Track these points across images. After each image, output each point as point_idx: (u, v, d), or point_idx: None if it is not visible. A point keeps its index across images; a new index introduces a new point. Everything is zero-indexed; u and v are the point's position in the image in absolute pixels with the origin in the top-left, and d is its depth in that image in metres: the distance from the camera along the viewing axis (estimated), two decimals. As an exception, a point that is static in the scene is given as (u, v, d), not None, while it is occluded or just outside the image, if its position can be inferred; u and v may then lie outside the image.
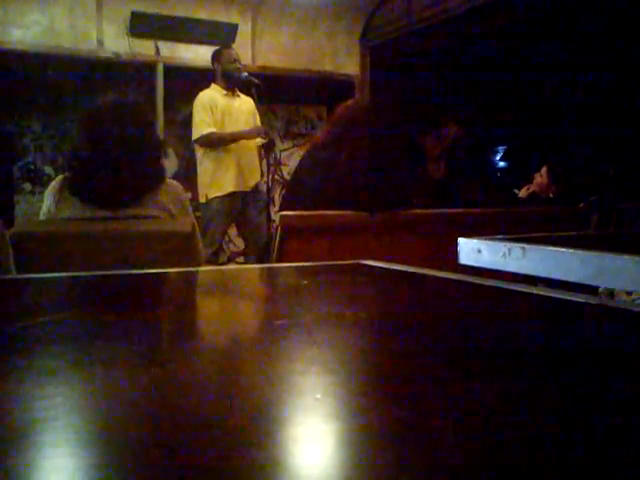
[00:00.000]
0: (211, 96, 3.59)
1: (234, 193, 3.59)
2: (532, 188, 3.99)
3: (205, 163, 3.61)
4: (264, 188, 3.74)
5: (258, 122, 3.79)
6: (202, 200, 3.59)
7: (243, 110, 3.69)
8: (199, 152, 3.65)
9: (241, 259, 4.74)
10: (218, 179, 3.57)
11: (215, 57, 3.70)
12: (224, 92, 3.63)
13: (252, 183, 3.68)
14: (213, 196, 3.56)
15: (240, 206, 3.65)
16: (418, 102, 4.79)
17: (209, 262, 3.09)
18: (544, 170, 3.97)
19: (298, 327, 0.62)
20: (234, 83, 3.66)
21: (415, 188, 2.38)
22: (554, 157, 4.26)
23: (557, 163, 4.06)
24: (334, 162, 2.07)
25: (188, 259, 1.63)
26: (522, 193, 4.03)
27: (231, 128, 3.61)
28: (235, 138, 3.57)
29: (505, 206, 3.10)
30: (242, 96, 3.72)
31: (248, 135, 3.62)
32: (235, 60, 3.68)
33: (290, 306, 0.78)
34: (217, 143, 3.56)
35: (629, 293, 1.26)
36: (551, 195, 3.92)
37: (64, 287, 0.94)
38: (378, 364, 0.51)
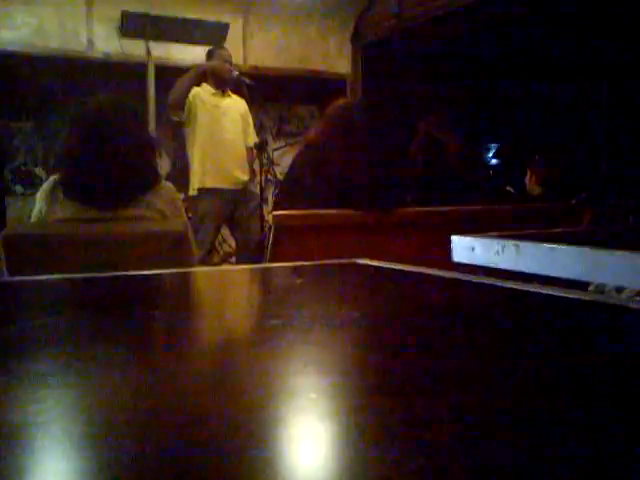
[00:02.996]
0: (196, 92, 3.59)
1: (220, 191, 3.60)
2: (526, 190, 4.00)
3: (192, 159, 3.64)
4: (256, 189, 3.75)
5: (250, 123, 3.79)
6: (191, 193, 3.61)
7: (232, 110, 3.69)
8: (188, 149, 3.67)
9: (234, 260, 4.74)
10: (202, 174, 3.60)
11: (207, 57, 3.72)
12: (213, 91, 3.63)
13: (239, 181, 3.68)
14: (200, 186, 3.57)
15: (231, 206, 3.65)
16: (406, 100, 4.79)
17: (202, 263, 3.09)
18: (529, 174, 3.99)
19: (292, 327, 0.62)
20: (224, 83, 3.66)
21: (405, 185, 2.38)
22: (538, 156, 4.27)
23: (539, 162, 4.07)
24: (327, 161, 2.06)
25: (181, 260, 1.62)
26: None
27: (218, 127, 3.62)
28: (196, 72, 3.53)
29: (498, 203, 3.10)
30: (234, 97, 3.72)
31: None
32: (226, 60, 3.68)
33: (284, 306, 0.77)
34: (177, 89, 3.50)
35: (618, 291, 1.27)
36: (538, 189, 3.91)
37: (56, 289, 0.93)
38: (373, 363, 0.50)
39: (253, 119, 3.82)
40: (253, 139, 3.75)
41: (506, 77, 5.15)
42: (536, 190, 3.92)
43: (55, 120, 4.48)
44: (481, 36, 4.74)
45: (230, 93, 3.72)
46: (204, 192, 3.59)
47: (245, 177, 3.73)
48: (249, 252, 3.64)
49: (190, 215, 3.35)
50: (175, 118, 3.62)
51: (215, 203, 3.59)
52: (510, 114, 5.43)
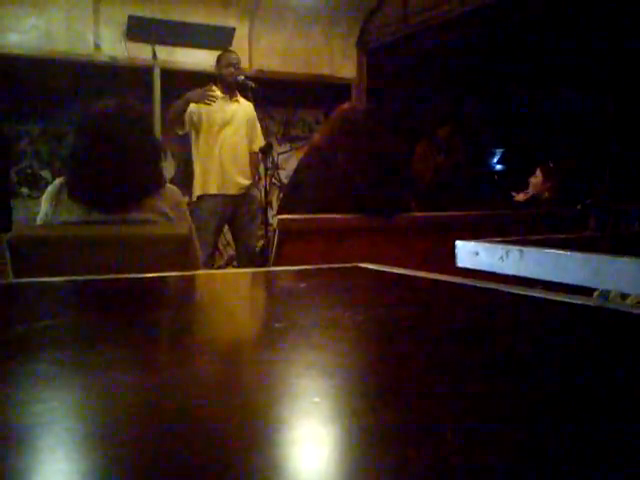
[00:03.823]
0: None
1: (221, 196, 3.62)
2: (530, 192, 4.00)
3: (196, 164, 3.67)
4: (258, 193, 3.76)
5: (257, 128, 3.80)
6: (194, 199, 3.65)
7: (238, 115, 3.71)
8: (193, 153, 3.71)
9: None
10: (204, 178, 3.63)
11: (216, 61, 3.75)
12: (221, 96, 3.65)
13: (240, 186, 3.69)
14: (201, 193, 3.60)
15: (231, 210, 3.67)
16: (413, 106, 4.80)
17: (204, 266, 3.10)
18: (538, 171, 3.99)
19: (296, 330, 0.62)
20: (230, 86, 3.68)
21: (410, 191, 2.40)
22: (548, 158, 4.28)
23: (550, 162, 4.07)
24: (332, 165, 2.07)
25: (185, 263, 1.62)
26: (519, 198, 4.04)
27: (222, 132, 3.64)
28: (180, 102, 3.62)
29: (502, 209, 3.10)
30: (242, 101, 3.74)
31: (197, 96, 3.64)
32: (231, 64, 3.70)
33: (288, 309, 0.77)
34: (171, 116, 3.63)
35: (623, 297, 1.26)
36: (546, 194, 3.93)
37: (61, 291, 0.93)
38: (376, 367, 0.50)
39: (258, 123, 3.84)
40: (259, 144, 3.75)
41: (512, 83, 5.15)
42: (545, 194, 3.92)
43: (61, 123, 4.50)
44: (487, 41, 4.74)
45: (239, 98, 3.74)
46: (205, 197, 3.62)
47: (247, 182, 3.74)
48: (249, 255, 3.65)
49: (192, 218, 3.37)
50: (179, 132, 3.72)
51: (216, 207, 3.62)
52: (515, 119, 5.42)
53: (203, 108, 3.60)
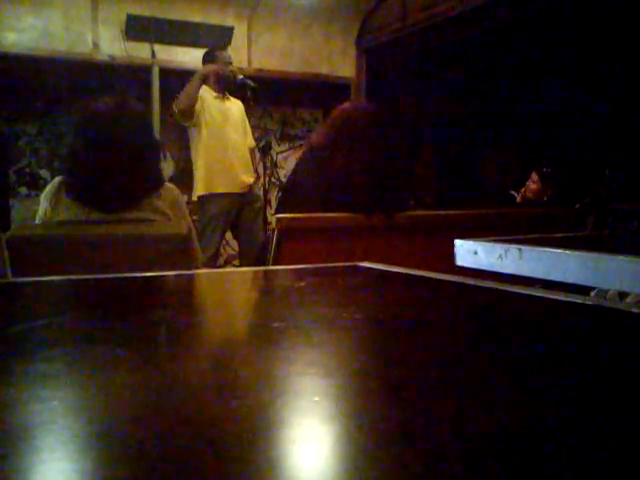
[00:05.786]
0: (200, 96, 3.59)
1: (228, 194, 3.60)
2: (527, 194, 4.01)
3: (198, 163, 3.64)
4: (260, 191, 3.76)
5: (247, 126, 3.80)
6: (194, 198, 3.61)
7: (234, 113, 3.70)
8: (193, 153, 3.68)
9: (238, 262, 4.75)
10: (209, 178, 3.60)
11: (207, 59, 3.70)
12: (214, 94, 3.63)
13: (245, 184, 3.69)
14: (205, 192, 3.57)
15: (236, 209, 3.66)
16: (410, 104, 4.81)
17: (206, 265, 3.10)
18: (534, 175, 4.00)
19: (295, 329, 0.62)
20: (227, 86, 3.66)
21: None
22: (545, 159, 4.28)
23: (546, 165, 4.08)
24: (331, 164, 2.07)
25: (185, 262, 1.62)
26: (519, 199, 4.06)
27: (223, 130, 3.63)
28: (196, 79, 3.52)
29: (501, 208, 3.10)
30: (232, 99, 3.73)
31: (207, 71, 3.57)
32: (229, 62, 3.69)
33: (287, 308, 0.77)
34: (188, 96, 3.51)
35: (622, 296, 1.27)
36: (545, 198, 3.94)
37: (60, 291, 0.93)
38: (376, 366, 0.51)
39: (257, 122, 3.84)
40: (252, 141, 3.77)
41: (510, 81, 5.15)
42: (544, 199, 3.94)
43: (60, 122, 4.50)
44: (485, 41, 4.74)
45: (229, 96, 3.72)
46: (211, 196, 3.59)
47: (250, 180, 3.74)
48: (253, 254, 3.64)
49: (195, 218, 3.36)
50: (186, 124, 3.63)
51: (222, 206, 3.60)
52: (514, 118, 5.42)
53: (202, 105, 3.58)
